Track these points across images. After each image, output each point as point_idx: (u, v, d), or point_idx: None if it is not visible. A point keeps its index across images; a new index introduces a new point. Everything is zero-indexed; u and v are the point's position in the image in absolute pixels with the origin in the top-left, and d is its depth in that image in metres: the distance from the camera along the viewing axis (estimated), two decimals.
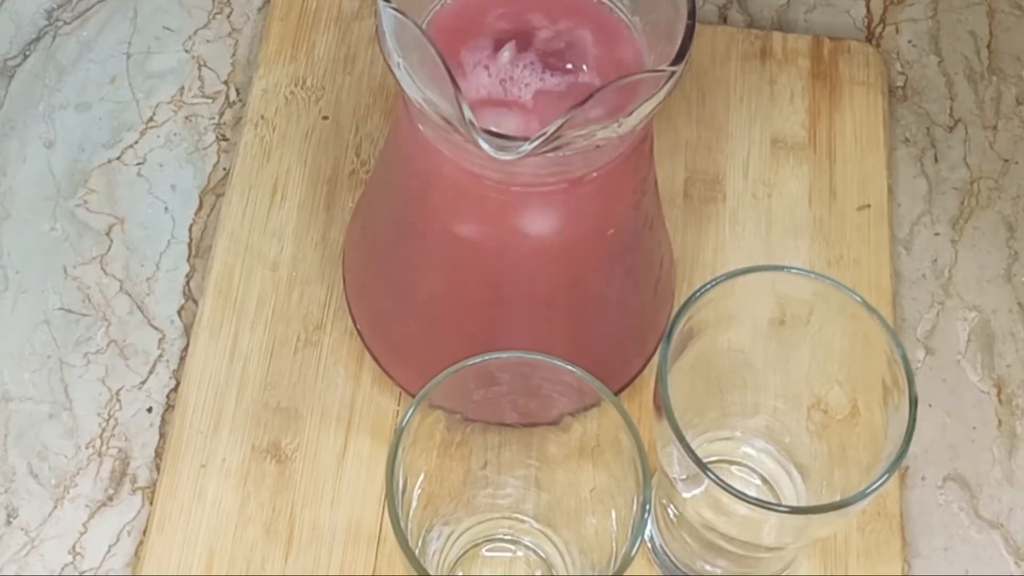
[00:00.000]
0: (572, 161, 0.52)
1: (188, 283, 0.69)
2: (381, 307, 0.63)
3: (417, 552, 0.52)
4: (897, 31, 0.77)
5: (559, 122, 0.48)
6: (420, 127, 0.53)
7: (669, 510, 0.59)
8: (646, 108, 0.50)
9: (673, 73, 0.50)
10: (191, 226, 0.70)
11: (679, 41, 0.51)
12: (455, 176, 0.54)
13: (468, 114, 0.48)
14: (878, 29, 0.77)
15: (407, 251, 0.59)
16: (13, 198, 0.71)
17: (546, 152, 0.49)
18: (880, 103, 0.73)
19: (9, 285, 0.68)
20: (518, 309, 0.59)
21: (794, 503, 0.59)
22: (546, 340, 0.58)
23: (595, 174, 0.53)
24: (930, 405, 0.66)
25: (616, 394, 0.62)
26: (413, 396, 0.62)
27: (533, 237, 0.56)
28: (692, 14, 0.51)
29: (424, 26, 0.55)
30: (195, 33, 0.76)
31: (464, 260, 0.57)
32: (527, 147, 0.49)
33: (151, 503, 0.63)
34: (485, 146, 0.49)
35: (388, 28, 0.50)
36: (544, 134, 0.48)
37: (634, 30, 0.56)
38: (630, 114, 0.50)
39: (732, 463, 0.60)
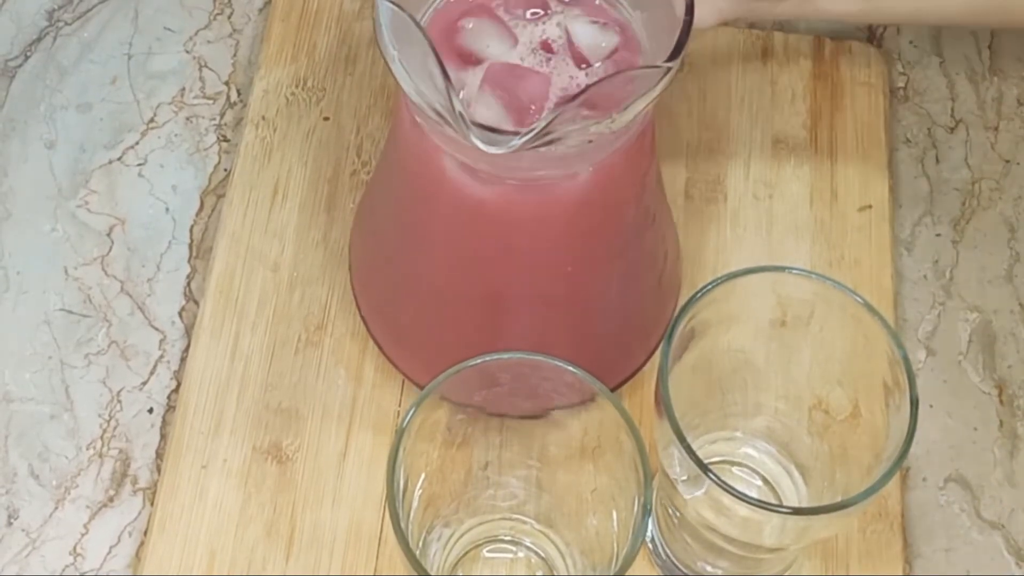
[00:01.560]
0: (567, 156, 0.52)
1: (189, 284, 0.69)
2: (385, 300, 0.63)
3: (418, 553, 0.51)
4: (898, 32, 0.77)
5: (549, 117, 0.48)
6: (420, 124, 0.53)
7: (670, 511, 0.59)
8: (640, 104, 0.50)
9: (668, 69, 0.50)
10: (192, 227, 0.70)
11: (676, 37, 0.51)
12: (455, 172, 0.54)
13: (459, 107, 0.48)
14: (879, 30, 0.77)
15: (409, 248, 0.59)
16: (14, 199, 0.71)
17: (537, 146, 0.49)
18: (881, 104, 0.73)
19: (10, 286, 0.68)
20: (519, 303, 0.59)
21: (795, 504, 0.59)
22: (548, 332, 0.58)
23: (592, 169, 0.53)
24: (931, 406, 0.66)
25: (618, 387, 0.62)
26: (416, 386, 0.62)
27: (533, 231, 0.55)
28: (690, 10, 0.51)
29: (424, 21, 0.55)
30: (196, 34, 0.76)
31: (466, 255, 0.57)
32: (517, 141, 0.48)
33: (152, 504, 0.63)
34: (476, 140, 0.49)
35: (384, 21, 0.50)
36: (534, 129, 0.48)
37: (634, 25, 0.56)
38: (624, 110, 0.50)
39: (733, 464, 0.60)
